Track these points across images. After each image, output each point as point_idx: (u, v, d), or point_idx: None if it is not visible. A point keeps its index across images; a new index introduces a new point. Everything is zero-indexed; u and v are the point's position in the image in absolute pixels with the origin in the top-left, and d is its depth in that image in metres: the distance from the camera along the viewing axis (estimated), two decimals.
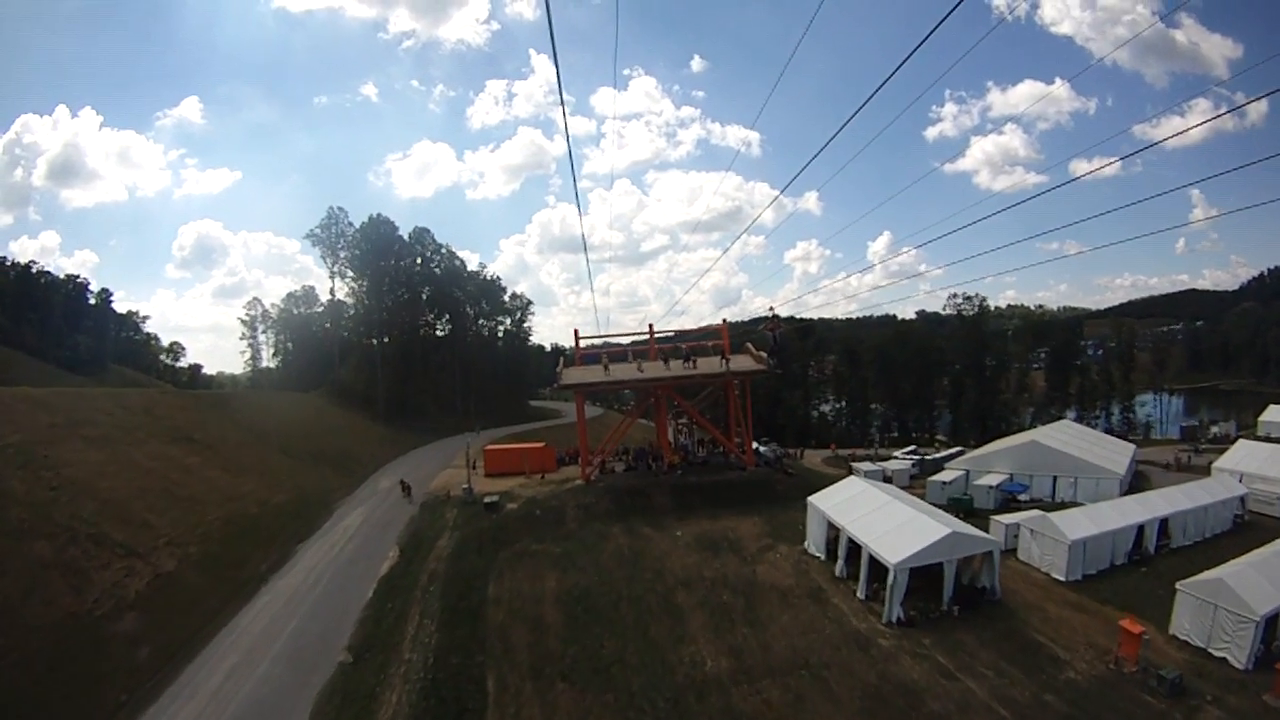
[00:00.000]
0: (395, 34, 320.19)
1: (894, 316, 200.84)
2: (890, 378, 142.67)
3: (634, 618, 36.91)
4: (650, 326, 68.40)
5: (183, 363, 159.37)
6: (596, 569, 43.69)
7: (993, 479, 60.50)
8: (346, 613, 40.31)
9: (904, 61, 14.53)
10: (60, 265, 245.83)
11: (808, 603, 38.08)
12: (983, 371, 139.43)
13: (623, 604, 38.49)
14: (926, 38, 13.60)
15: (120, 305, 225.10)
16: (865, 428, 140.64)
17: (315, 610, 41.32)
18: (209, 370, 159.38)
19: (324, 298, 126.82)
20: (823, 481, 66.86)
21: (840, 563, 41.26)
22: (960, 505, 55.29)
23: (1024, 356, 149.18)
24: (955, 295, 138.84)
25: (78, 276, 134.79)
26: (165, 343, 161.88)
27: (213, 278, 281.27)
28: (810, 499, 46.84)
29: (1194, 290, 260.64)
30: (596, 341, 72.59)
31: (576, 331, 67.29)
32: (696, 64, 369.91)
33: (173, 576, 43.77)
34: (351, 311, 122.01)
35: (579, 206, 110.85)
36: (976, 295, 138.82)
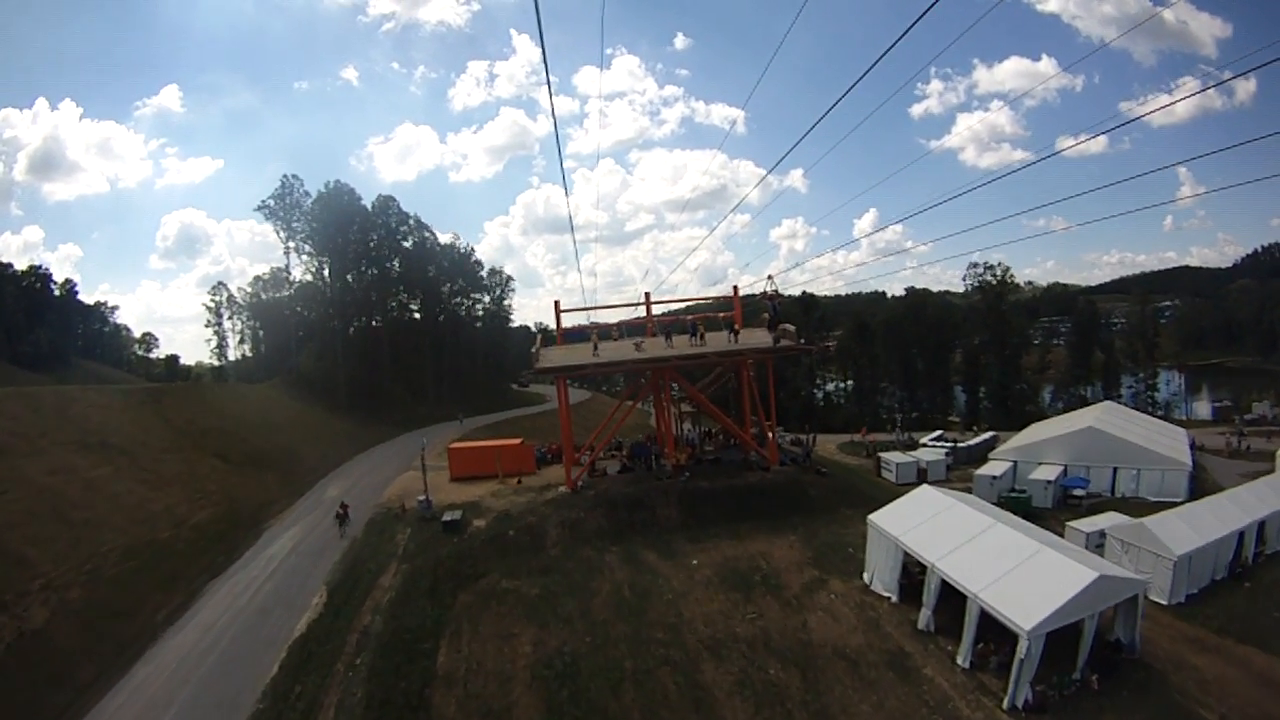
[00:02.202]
0: (375, 16, 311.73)
1: (883, 293, 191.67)
2: (902, 354, 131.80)
3: (644, 711, 25.46)
4: (647, 296, 56.66)
5: (156, 354, 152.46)
6: (587, 622, 32.21)
7: (1048, 472, 52.95)
8: (239, 700, 28.71)
9: (890, 47, 14.16)
10: (45, 259, 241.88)
11: (890, 677, 26.78)
12: (1004, 347, 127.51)
13: (626, 685, 27.00)
14: (914, 23, 13.01)
15: (104, 297, 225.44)
16: (875, 409, 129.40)
17: (201, 693, 29.81)
18: (188, 361, 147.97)
19: (294, 278, 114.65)
20: (863, 483, 56.21)
21: (927, 612, 30.03)
22: (1017, 505, 46.79)
23: (1050, 330, 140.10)
24: (975, 265, 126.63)
25: (40, 267, 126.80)
26: (146, 335, 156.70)
27: (197, 267, 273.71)
28: (874, 519, 35.44)
29: (1186, 267, 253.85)
30: (582, 317, 61.50)
31: (558, 304, 55.47)
32: (680, 41, 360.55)
33: (41, 635, 33.39)
34: (313, 291, 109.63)
35: (565, 186, 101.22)
36: (999, 264, 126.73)
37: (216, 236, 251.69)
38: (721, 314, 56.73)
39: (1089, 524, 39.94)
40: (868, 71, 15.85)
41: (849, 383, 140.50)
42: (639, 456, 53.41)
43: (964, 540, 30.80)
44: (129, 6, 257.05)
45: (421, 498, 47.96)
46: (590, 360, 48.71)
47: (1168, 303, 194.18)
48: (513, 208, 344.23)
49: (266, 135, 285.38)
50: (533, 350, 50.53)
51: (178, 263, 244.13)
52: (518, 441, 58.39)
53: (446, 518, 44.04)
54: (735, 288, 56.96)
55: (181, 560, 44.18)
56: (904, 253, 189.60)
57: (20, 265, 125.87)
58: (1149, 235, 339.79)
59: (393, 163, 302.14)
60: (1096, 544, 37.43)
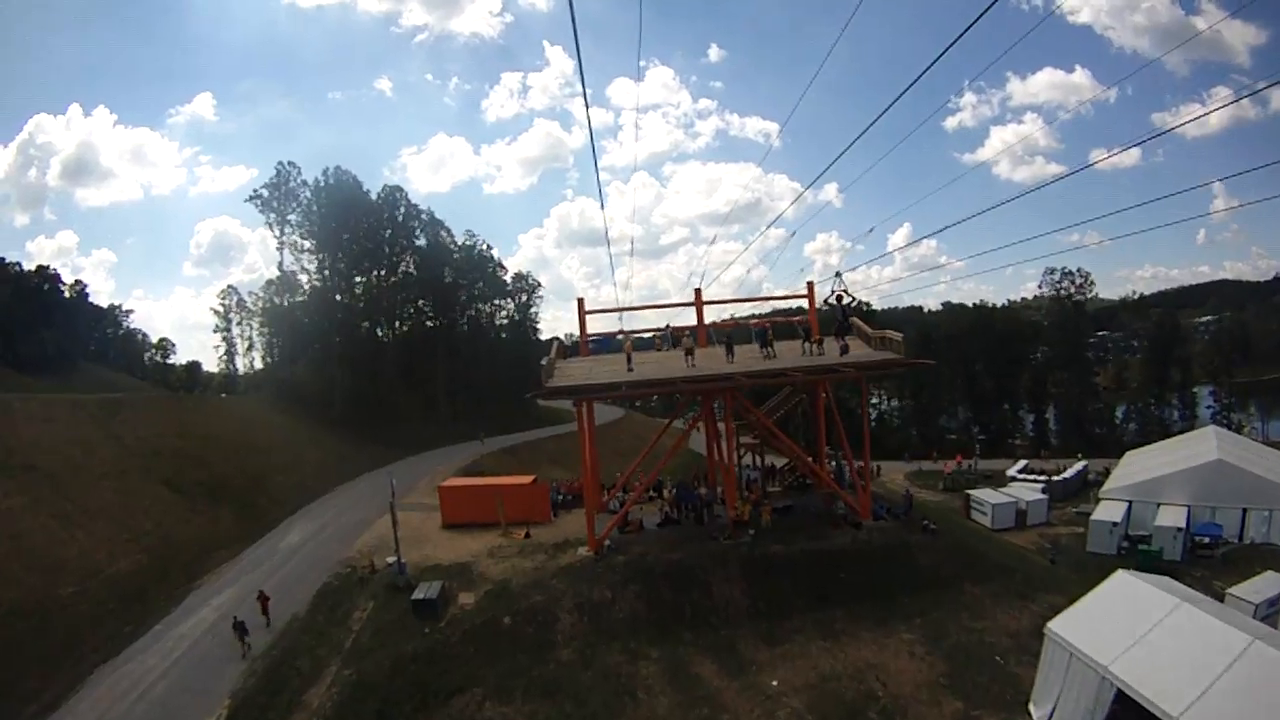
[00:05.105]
0: (408, 27, 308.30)
1: (919, 308, 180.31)
2: (967, 370, 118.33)
3: None
4: (697, 294, 44.34)
5: (174, 360, 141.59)
6: None
7: (1174, 516, 44.25)
8: None
9: (928, 68, 13.55)
10: (79, 264, 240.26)
11: None
12: (1083, 364, 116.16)
13: None
14: (952, 44, 12.58)
15: (138, 303, 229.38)
16: (938, 432, 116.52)
17: None
18: (212, 368, 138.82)
19: (293, 278, 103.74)
20: (978, 540, 43.36)
21: None
22: (1150, 559, 39.31)
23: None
24: (1052, 271, 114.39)
25: (47, 267, 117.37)
26: (162, 340, 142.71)
27: (230, 275, 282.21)
28: (1059, 632, 23.10)
29: (1225, 280, 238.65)
30: (615, 322, 49.59)
31: (581, 302, 43.36)
32: (714, 53, 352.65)
33: None
34: (321, 295, 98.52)
35: (600, 199, 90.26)
36: (1079, 270, 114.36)
37: (250, 245, 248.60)
38: (796, 318, 44.35)
39: (1253, 590, 31.32)
40: (904, 92, 14.50)
41: (901, 402, 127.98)
42: (686, 503, 40.66)
43: (1214, 671, 19.03)
44: (161, 14, 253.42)
45: (392, 560, 35.70)
46: (623, 378, 36.11)
47: (1211, 317, 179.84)
48: (547, 220, 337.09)
49: (300, 145, 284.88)
50: (543, 363, 37.85)
51: (211, 270, 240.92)
52: (528, 480, 45.91)
53: (419, 594, 31.51)
54: (810, 284, 44.44)
55: (79, 627, 33.96)
56: (939, 268, 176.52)
57: (64, 271, 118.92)
58: (1182, 249, 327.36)
59: (427, 174, 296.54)
60: (1265, 615, 29.60)
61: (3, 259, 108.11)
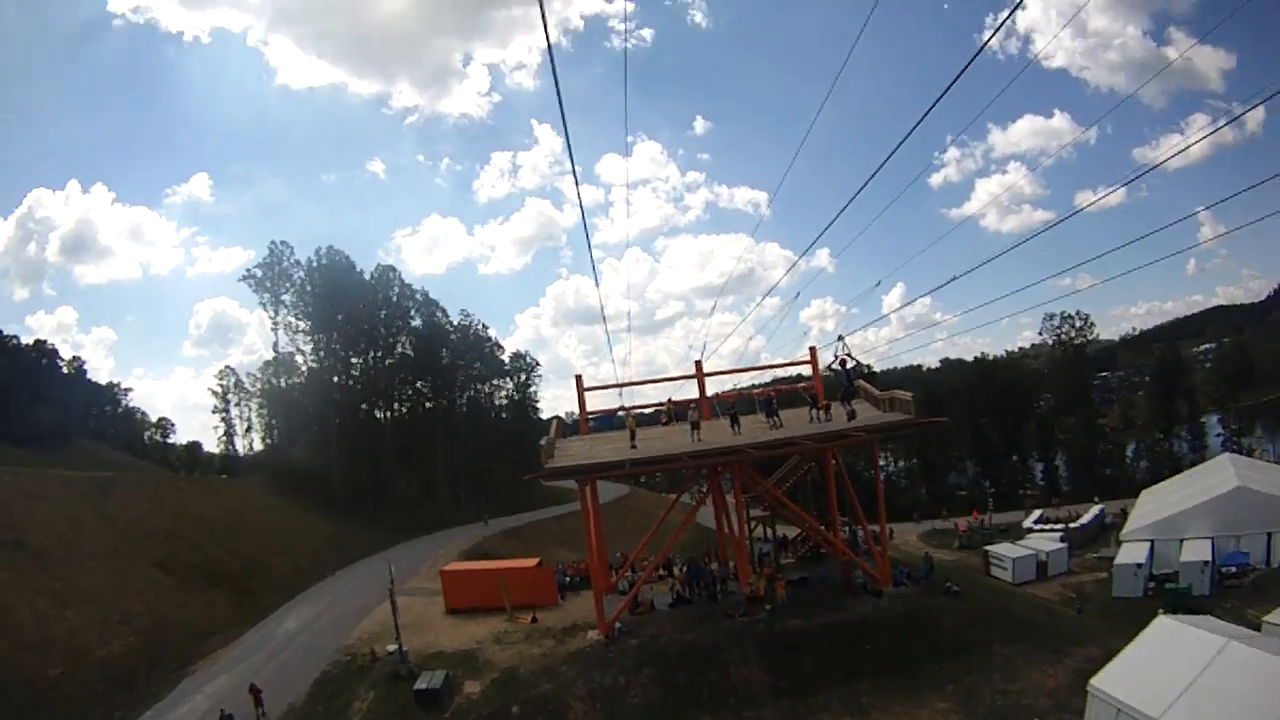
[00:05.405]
0: (399, 109, 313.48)
1: (918, 366, 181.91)
2: (973, 426, 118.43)
3: None
4: (698, 365, 43.96)
5: (174, 439, 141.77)
6: None
7: (1199, 550, 44.19)
8: None
9: (910, 131, 14.08)
10: (79, 341, 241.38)
11: None
12: (1089, 407, 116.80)
13: None
14: (933, 106, 13.09)
15: (138, 382, 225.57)
16: (948, 489, 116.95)
17: None
18: (212, 449, 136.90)
19: (285, 358, 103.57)
20: (1003, 598, 42.21)
21: None
22: (1178, 597, 38.79)
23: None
24: (1051, 317, 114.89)
25: (45, 342, 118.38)
26: (161, 420, 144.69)
27: (230, 355, 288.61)
28: (1103, 688, 22.59)
29: (1220, 307, 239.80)
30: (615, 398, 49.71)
31: (579, 379, 42.95)
32: (700, 126, 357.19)
33: None
34: (319, 376, 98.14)
35: (595, 276, 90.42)
36: (1079, 313, 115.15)
37: (250, 326, 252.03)
38: (800, 385, 44.02)
39: None
40: (890, 156, 14.78)
41: (907, 462, 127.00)
42: (697, 581, 39.40)
43: (1274, 709, 18.69)
44: (158, 93, 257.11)
45: (393, 647, 34.34)
46: (626, 456, 35.31)
47: (1211, 345, 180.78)
48: (543, 300, 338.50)
49: (296, 227, 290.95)
50: (544, 441, 37.12)
51: (211, 350, 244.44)
52: (533, 563, 45.00)
53: (422, 684, 30.33)
54: (813, 349, 44.21)
55: (68, 710, 33.46)
56: (935, 325, 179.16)
57: (63, 347, 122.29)
58: (1174, 281, 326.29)
59: (421, 255, 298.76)
60: None
61: (0, 332, 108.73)
